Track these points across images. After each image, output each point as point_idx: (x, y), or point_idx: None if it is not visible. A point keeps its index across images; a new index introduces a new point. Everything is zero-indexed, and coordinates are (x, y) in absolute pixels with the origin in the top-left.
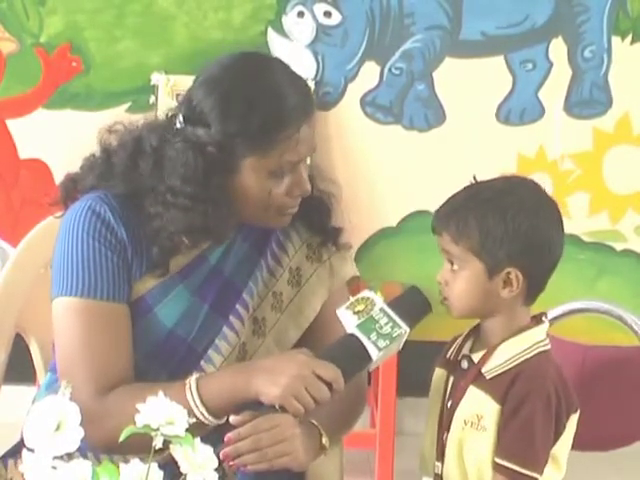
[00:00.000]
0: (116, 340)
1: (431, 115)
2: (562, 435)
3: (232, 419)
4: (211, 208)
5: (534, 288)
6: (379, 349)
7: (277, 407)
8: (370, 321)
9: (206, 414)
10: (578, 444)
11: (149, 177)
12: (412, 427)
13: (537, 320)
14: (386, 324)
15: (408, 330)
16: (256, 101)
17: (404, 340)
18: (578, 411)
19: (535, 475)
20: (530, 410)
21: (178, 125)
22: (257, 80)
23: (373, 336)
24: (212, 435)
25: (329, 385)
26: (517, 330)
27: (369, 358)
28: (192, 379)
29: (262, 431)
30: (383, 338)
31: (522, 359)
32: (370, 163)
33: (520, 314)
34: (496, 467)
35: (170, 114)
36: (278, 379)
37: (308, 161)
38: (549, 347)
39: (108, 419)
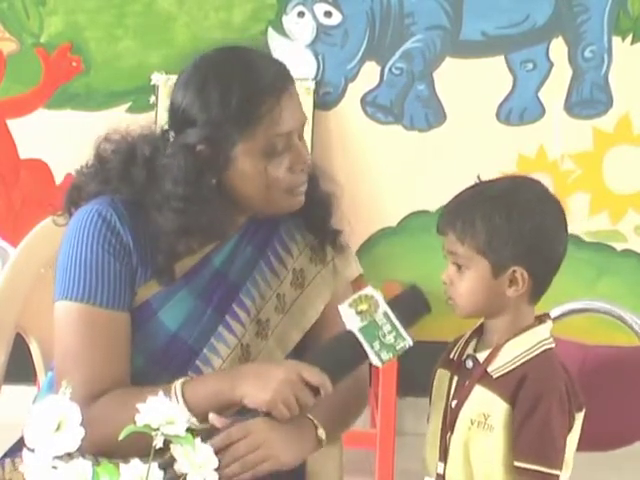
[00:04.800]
0: (112, 348)
1: (431, 115)
2: (570, 433)
3: (211, 417)
4: (205, 208)
5: (539, 287)
6: (382, 361)
7: (261, 411)
8: (373, 326)
9: (191, 418)
10: (578, 444)
11: (143, 186)
12: (412, 427)
13: (541, 320)
14: (389, 332)
15: (411, 343)
16: (230, 81)
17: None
18: (584, 410)
19: (559, 472)
20: (546, 410)
21: (171, 139)
22: (228, 64)
23: (376, 345)
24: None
25: (316, 389)
26: (522, 329)
27: (365, 361)
28: (177, 383)
29: (236, 440)
30: (387, 349)
31: (528, 357)
32: (370, 163)
33: (525, 313)
34: (518, 470)
35: (164, 129)
36: (267, 384)
37: (310, 158)
38: (553, 345)
39: (94, 425)
